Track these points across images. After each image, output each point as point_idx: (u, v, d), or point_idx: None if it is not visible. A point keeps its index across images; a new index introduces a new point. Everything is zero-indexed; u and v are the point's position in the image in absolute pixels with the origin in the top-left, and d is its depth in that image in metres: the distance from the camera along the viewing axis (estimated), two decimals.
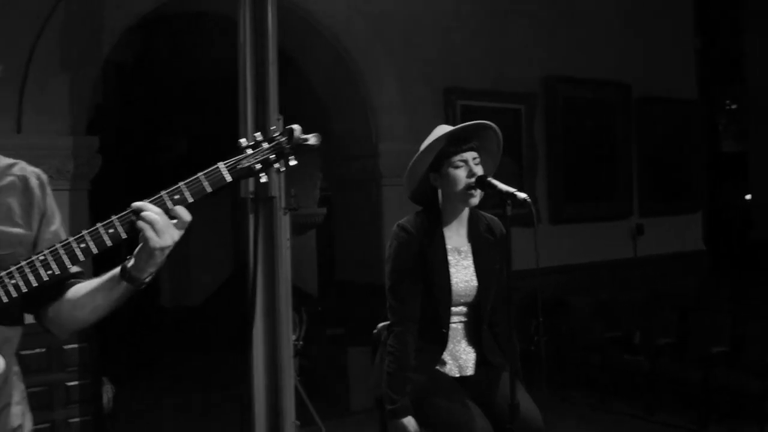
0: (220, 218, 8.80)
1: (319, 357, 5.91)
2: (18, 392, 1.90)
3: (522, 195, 2.69)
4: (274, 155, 1.77)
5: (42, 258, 1.69)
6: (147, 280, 1.77)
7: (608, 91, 7.15)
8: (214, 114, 7.32)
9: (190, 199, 1.73)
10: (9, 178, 1.89)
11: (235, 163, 1.75)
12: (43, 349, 4.45)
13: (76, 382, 4.67)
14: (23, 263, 1.69)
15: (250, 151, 1.76)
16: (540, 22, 6.60)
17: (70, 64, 4.46)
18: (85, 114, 4.62)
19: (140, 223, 1.69)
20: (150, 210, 1.70)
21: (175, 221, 1.72)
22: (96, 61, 4.66)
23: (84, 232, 1.70)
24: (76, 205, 4.49)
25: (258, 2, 3.66)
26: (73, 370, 4.66)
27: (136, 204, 1.71)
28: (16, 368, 1.91)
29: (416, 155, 2.98)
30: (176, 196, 1.72)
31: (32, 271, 1.69)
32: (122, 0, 4.67)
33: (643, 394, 5.60)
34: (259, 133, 1.80)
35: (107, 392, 5.37)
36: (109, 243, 1.71)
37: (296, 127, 1.78)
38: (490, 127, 3.00)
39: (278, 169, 1.80)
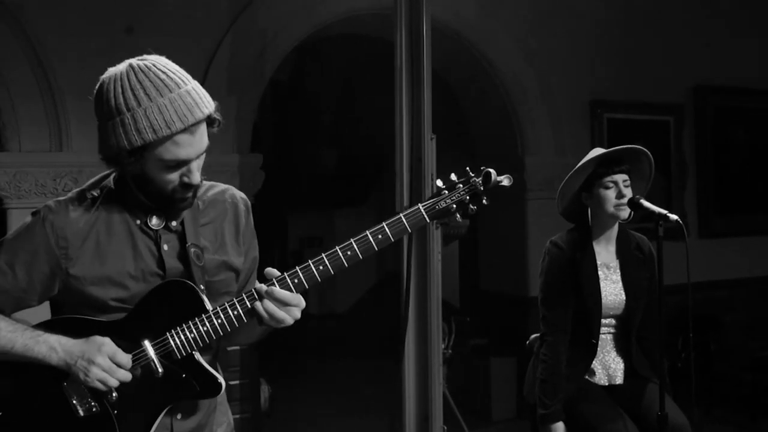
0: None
1: (462, 367, 6.02)
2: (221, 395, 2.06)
3: (674, 217, 2.78)
4: (468, 196, 1.90)
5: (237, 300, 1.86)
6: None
7: (762, 101, 6.90)
8: (365, 132, 7.63)
9: (392, 239, 1.87)
10: (222, 205, 2.03)
11: (432, 204, 1.89)
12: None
13: (237, 382, 4.92)
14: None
15: (446, 193, 1.90)
16: (688, 29, 6.46)
17: (235, 87, 4.82)
18: (249, 133, 4.97)
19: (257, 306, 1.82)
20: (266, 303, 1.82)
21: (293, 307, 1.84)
22: (260, 83, 5.00)
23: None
24: None
25: (414, 26, 3.84)
26: (234, 370, 4.92)
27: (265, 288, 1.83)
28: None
29: (569, 175, 3.10)
30: (379, 236, 1.87)
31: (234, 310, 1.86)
32: (283, 26, 4.99)
33: None
34: (453, 175, 1.93)
35: (264, 392, 5.70)
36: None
37: (492, 171, 1.90)
38: (642, 152, 3.08)
39: (473, 210, 1.90)
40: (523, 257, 5.84)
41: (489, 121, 6.14)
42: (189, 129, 1.76)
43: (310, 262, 1.86)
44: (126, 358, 1.80)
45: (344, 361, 7.93)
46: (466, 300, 7.19)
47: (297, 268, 1.86)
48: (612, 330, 3.15)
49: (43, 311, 1.96)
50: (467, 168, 1.93)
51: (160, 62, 1.83)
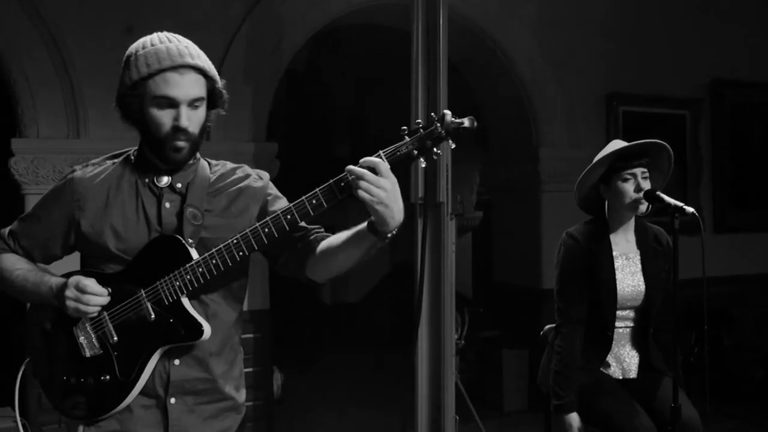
0: None
1: (474, 358, 6.03)
2: (234, 367, 2.21)
3: (690, 209, 2.78)
4: (429, 141, 1.88)
5: (263, 224, 1.98)
6: (390, 235, 1.96)
7: None
8: (380, 122, 7.63)
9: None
10: (235, 176, 2.21)
11: (394, 150, 1.91)
12: None
13: (250, 369, 4.97)
14: (248, 231, 1.99)
15: (407, 138, 1.90)
16: (705, 23, 6.42)
17: (252, 77, 4.83)
18: (265, 122, 4.98)
19: (351, 181, 1.89)
20: (356, 168, 1.89)
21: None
22: (276, 73, 5.01)
23: (303, 197, 1.96)
24: None
25: (430, 16, 3.85)
26: (248, 357, 4.91)
27: (348, 167, 1.91)
28: (238, 347, 2.23)
29: (587, 168, 3.10)
30: (342, 183, 1.92)
31: (249, 238, 1.99)
32: (300, 16, 5.00)
33: None
34: (419, 120, 1.94)
35: (277, 380, 5.75)
36: (325, 205, 1.95)
37: (447, 111, 1.90)
38: (663, 147, 3.08)
39: (436, 154, 1.89)
40: (537, 249, 5.84)
41: (504, 112, 6.13)
42: (178, 69, 1.99)
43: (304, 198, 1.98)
44: (91, 283, 2.02)
45: (356, 350, 7.96)
46: (479, 291, 7.20)
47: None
48: (630, 323, 3.16)
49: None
50: (432, 114, 1.94)
51: (177, 35, 2.10)
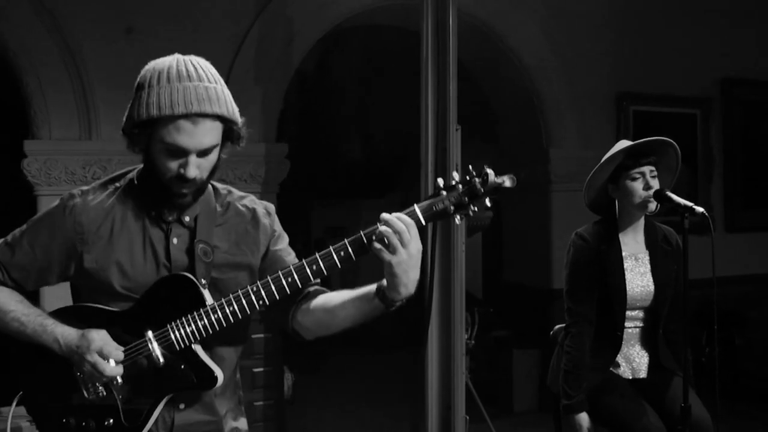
0: None
1: (485, 358, 6.03)
2: (234, 401, 2.14)
3: (699, 209, 2.78)
4: (467, 197, 1.79)
5: (275, 277, 1.88)
6: (398, 303, 1.88)
7: None
8: (390, 122, 7.64)
9: (386, 240, 1.79)
10: (238, 209, 2.09)
11: (430, 205, 1.81)
12: None
13: (261, 369, 4.98)
14: (269, 278, 1.88)
15: (444, 193, 1.81)
16: (715, 21, 6.39)
17: (262, 78, 4.85)
18: (275, 122, 5.00)
19: (374, 244, 1.80)
20: (397, 222, 1.78)
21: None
22: (286, 74, 5.03)
23: (317, 254, 1.85)
24: None
25: (440, 16, 3.86)
26: (259, 358, 4.95)
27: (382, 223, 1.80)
28: (237, 377, 2.16)
29: (595, 168, 3.10)
30: (373, 236, 1.81)
31: (271, 287, 1.88)
32: (311, 16, 5.01)
33: None
34: (455, 173, 1.84)
35: (288, 380, 5.75)
36: (353, 257, 1.84)
37: (490, 171, 1.80)
38: (669, 144, 3.08)
39: (473, 211, 1.80)
40: (547, 249, 5.83)
41: (514, 112, 6.13)
42: (192, 118, 1.83)
43: (330, 248, 1.86)
44: (115, 353, 1.89)
45: (366, 350, 7.96)
46: (489, 291, 7.19)
47: (317, 254, 1.87)
48: (639, 323, 3.15)
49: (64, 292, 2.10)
50: (469, 166, 1.84)
51: (198, 60, 1.93)
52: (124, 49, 4.47)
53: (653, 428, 2.91)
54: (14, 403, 2.04)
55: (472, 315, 5.11)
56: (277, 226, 2.14)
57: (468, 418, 4.09)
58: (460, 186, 1.81)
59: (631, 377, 3.13)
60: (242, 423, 2.17)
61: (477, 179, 1.80)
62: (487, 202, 1.80)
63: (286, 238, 2.15)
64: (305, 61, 5.50)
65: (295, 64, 5.09)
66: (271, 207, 2.16)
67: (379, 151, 8.35)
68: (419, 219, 1.81)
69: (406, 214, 1.81)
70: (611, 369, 3.12)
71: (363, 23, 5.67)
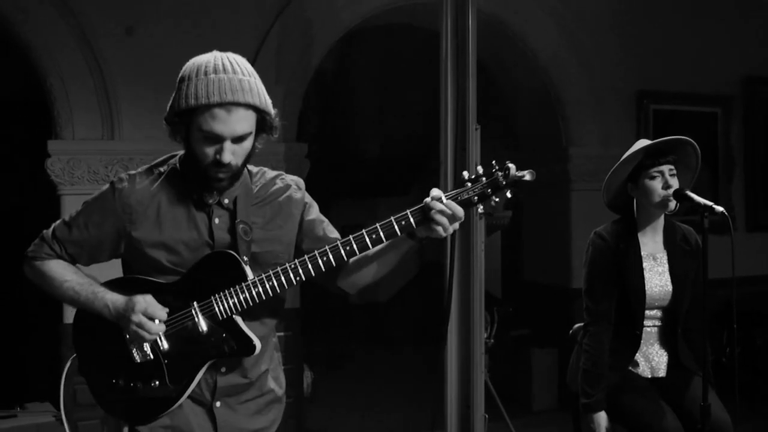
0: None
1: (504, 357, 6.03)
2: (273, 362, 2.31)
3: (719, 208, 2.77)
4: (490, 189, 1.98)
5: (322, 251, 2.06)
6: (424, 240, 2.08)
7: None
8: (409, 121, 7.66)
9: (414, 227, 2.02)
10: (275, 186, 2.27)
11: (455, 194, 2.00)
12: None
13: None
14: (306, 258, 2.07)
15: (469, 185, 2.00)
16: (736, 18, 6.34)
17: (283, 78, 4.88)
18: (295, 122, 5.03)
19: (433, 216, 1.98)
20: (439, 210, 1.97)
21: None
22: (306, 74, 5.06)
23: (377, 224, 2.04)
24: None
25: (460, 16, 3.87)
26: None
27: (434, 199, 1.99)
28: (274, 339, 2.33)
29: (614, 167, 3.10)
30: (402, 222, 2.02)
31: (308, 265, 2.06)
32: (330, 17, 5.04)
33: None
34: (480, 167, 2.02)
35: (307, 378, 5.79)
36: (370, 246, 2.06)
37: (512, 165, 1.96)
38: (688, 143, 3.07)
39: (495, 201, 1.98)
40: (567, 248, 5.82)
41: (533, 111, 6.13)
42: (226, 106, 1.99)
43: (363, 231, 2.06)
44: (159, 312, 2.07)
45: (386, 348, 7.99)
46: (508, 290, 7.19)
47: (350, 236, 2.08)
48: (657, 322, 3.15)
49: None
50: (492, 161, 2.00)
51: (234, 56, 2.09)
52: (146, 50, 4.51)
53: (671, 429, 2.91)
54: (67, 365, 2.23)
55: (491, 314, 5.11)
56: (308, 198, 2.32)
57: (487, 416, 4.10)
58: (484, 178, 1.98)
59: (650, 376, 3.13)
60: (280, 383, 2.35)
61: (499, 172, 1.97)
62: (508, 194, 1.96)
63: (316, 207, 2.33)
64: (324, 62, 5.53)
65: (315, 65, 5.11)
66: (301, 182, 2.32)
67: (397, 151, 8.36)
68: None
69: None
70: (630, 368, 3.12)
71: (381, 23, 5.68)
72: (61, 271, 2.21)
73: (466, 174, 2.01)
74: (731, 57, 6.34)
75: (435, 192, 2.01)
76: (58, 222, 2.25)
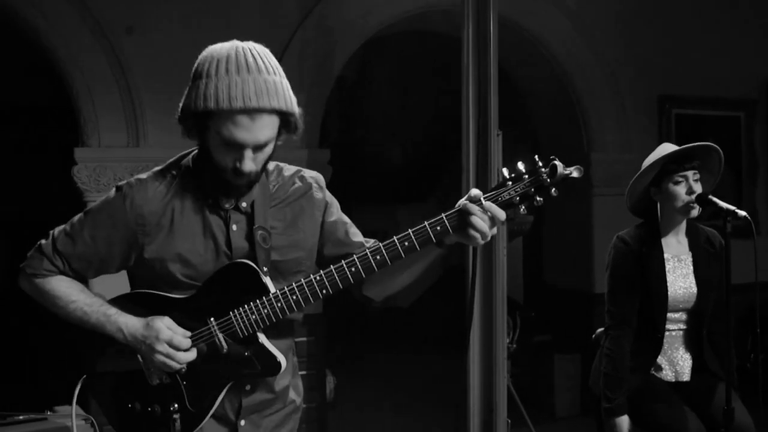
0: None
1: (526, 362, 6.02)
2: (294, 371, 2.19)
3: (742, 213, 2.78)
4: (534, 188, 1.77)
5: (350, 261, 1.88)
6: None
7: None
8: (430, 127, 7.67)
9: (450, 231, 1.82)
10: (295, 186, 2.08)
11: (495, 195, 1.79)
12: None
13: (303, 372, 5.02)
14: (332, 268, 1.88)
15: (510, 183, 1.78)
16: (758, 22, 6.30)
17: (305, 85, 4.92)
18: (318, 128, 5.06)
19: (472, 220, 1.78)
20: (478, 215, 1.78)
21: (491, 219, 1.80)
22: (328, 80, 5.09)
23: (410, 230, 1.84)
24: None
25: (481, 22, 3.88)
26: (302, 361, 4.97)
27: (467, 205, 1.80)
28: (294, 359, 2.20)
29: (639, 172, 3.11)
30: (438, 227, 1.82)
31: (335, 277, 1.88)
32: (352, 24, 5.07)
33: None
34: (521, 164, 1.80)
35: (330, 383, 5.81)
36: (403, 255, 1.84)
37: (558, 162, 1.77)
38: (713, 149, 3.08)
39: (538, 202, 1.78)
40: (589, 253, 5.81)
41: (554, 116, 6.12)
42: (249, 113, 1.80)
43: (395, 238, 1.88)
44: (184, 342, 1.92)
45: (408, 354, 7.98)
46: (530, 296, 7.18)
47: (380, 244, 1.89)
48: (682, 326, 3.15)
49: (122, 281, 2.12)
50: (536, 156, 1.79)
51: (257, 48, 1.88)
52: (170, 55, 4.56)
53: None
54: (78, 388, 2.06)
55: (513, 319, 5.12)
56: (329, 197, 2.14)
57: (510, 421, 4.10)
58: (526, 176, 1.78)
59: (674, 380, 3.13)
60: (299, 391, 2.21)
61: (544, 170, 1.77)
62: (553, 193, 1.77)
63: (337, 205, 2.15)
64: (346, 68, 5.56)
65: (337, 71, 5.15)
66: (321, 179, 2.16)
67: (419, 157, 8.37)
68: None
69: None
70: (653, 372, 3.12)
71: (403, 29, 5.71)
72: (66, 290, 2.02)
73: (506, 171, 1.79)
74: (754, 61, 6.31)
75: (474, 192, 1.80)
76: (57, 232, 2.05)
